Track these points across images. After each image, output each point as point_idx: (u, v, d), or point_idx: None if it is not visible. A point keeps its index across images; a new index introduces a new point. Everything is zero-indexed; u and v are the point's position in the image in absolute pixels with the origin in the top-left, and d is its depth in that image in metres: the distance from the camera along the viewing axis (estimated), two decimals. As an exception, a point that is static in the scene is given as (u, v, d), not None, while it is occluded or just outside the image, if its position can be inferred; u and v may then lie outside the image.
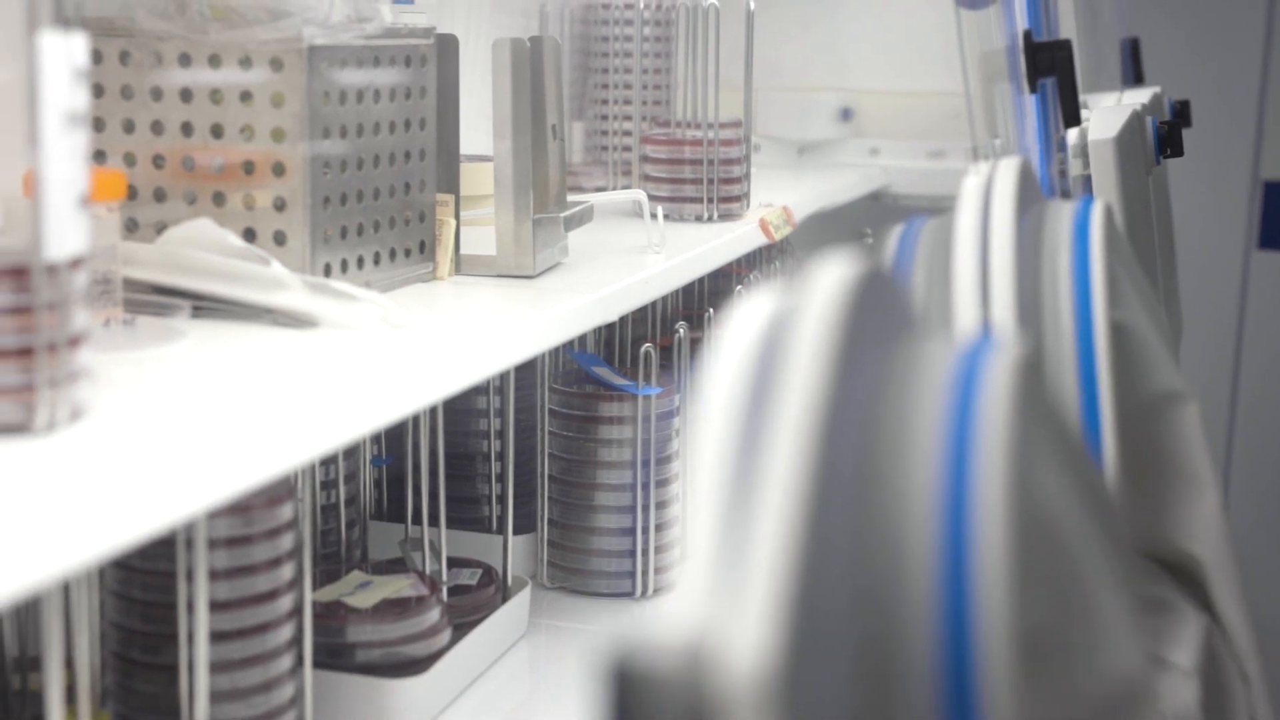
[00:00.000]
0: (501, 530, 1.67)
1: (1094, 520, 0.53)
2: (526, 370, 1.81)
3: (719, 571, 0.44)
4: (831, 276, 0.53)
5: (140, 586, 1.20)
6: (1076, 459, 0.55)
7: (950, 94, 2.49)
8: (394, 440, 1.76)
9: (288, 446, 0.98)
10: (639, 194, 1.75)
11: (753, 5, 2.13)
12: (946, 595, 0.47)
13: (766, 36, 2.67)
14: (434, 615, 1.46)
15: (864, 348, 0.52)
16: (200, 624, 1.13)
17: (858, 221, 2.70)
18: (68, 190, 0.90)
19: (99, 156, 1.36)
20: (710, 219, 2.00)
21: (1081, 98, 1.73)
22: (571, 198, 1.65)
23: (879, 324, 0.55)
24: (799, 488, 0.45)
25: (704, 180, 1.99)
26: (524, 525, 1.80)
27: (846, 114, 2.97)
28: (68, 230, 0.90)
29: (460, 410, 1.82)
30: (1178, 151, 1.71)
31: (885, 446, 0.50)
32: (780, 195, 2.19)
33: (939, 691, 0.47)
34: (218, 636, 1.18)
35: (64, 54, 0.89)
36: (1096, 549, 0.53)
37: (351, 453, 1.65)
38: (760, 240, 2.02)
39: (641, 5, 2.09)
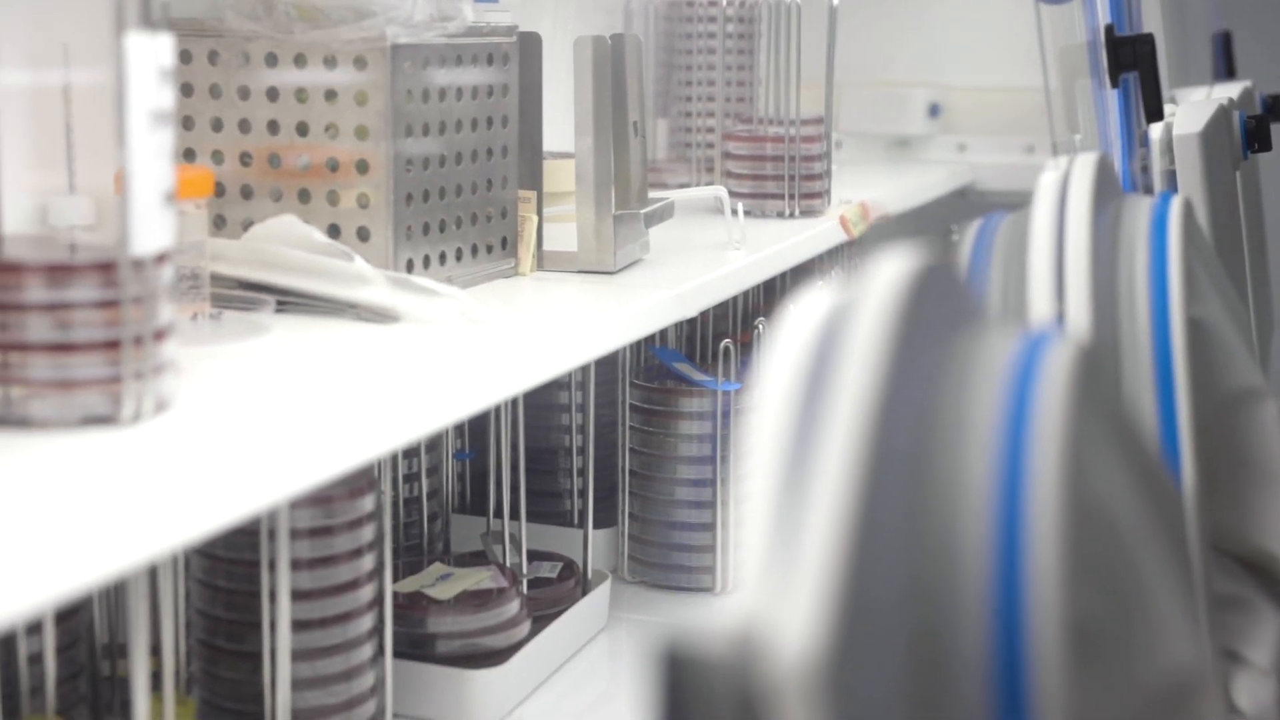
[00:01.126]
0: (582, 524, 1.68)
1: (1153, 514, 0.53)
2: (608, 366, 1.82)
3: (771, 559, 0.45)
4: (890, 270, 0.54)
5: (225, 575, 1.22)
6: (1136, 452, 0.55)
7: (1039, 89, 2.48)
8: (477, 435, 1.78)
9: (368, 438, 1.00)
10: (720, 190, 1.75)
11: (836, 1, 2.13)
12: (999, 586, 0.48)
13: (855, 32, 2.67)
14: (513, 607, 1.47)
15: (922, 339, 0.53)
16: (282, 612, 1.15)
17: (945, 218, 2.69)
18: (153, 187, 0.92)
19: (188, 154, 1.38)
20: (791, 215, 2.00)
21: (1167, 92, 1.72)
22: (654, 194, 1.66)
23: (939, 316, 0.55)
24: (851, 477, 0.46)
25: (785, 177, 2.00)
26: (605, 519, 1.82)
27: (935, 110, 2.96)
28: (153, 226, 0.93)
29: (542, 405, 1.83)
30: (1265, 146, 1.69)
31: (941, 437, 0.51)
32: (864, 192, 2.19)
33: (990, 682, 0.47)
34: (300, 625, 1.20)
35: (150, 54, 0.91)
36: (1154, 542, 0.53)
37: (434, 446, 1.67)
38: (841, 237, 2.02)
39: (724, 2, 2.10)
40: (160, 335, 0.94)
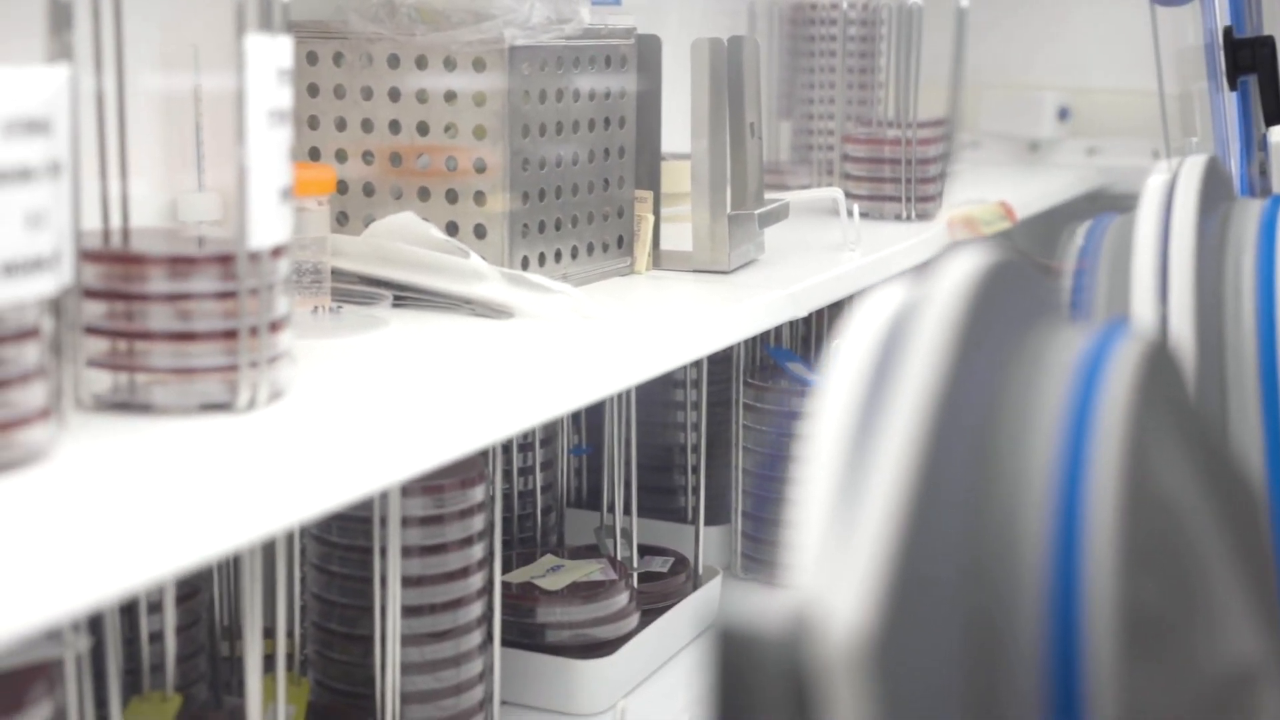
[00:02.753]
0: (695, 520, 1.70)
1: (1222, 508, 0.54)
2: (723, 365, 1.84)
3: (829, 542, 0.46)
4: (961, 265, 0.55)
5: (339, 561, 1.26)
6: (1205, 447, 0.55)
7: (1180, 94, 2.45)
8: (595, 431, 1.81)
9: (478, 427, 1.02)
10: (836, 192, 1.76)
11: (964, 3, 2.13)
12: (1056, 574, 0.49)
13: (989, 33, 2.66)
14: (622, 599, 1.50)
15: (992, 331, 0.54)
16: (393, 598, 1.19)
17: (1075, 222, 2.66)
18: (271, 184, 0.95)
19: (312, 153, 1.42)
20: (908, 218, 2.00)
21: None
22: (772, 196, 1.68)
23: (1013, 310, 0.56)
24: (910, 462, 0.47)
25: (903, 179, 2.00)
26: (719, 517, 1.83)
27: (1064, 113, 2.94)
28: (271, 221, 0.96)
29: (658, 403, 1.86)
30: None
31: (1007, 426, 0.52)
32: (992, 193, 2.18)
33: (1045, 669, 0.48)
34: (410, 610, 1.23)
35: (269, 55, 0.94)
36: (1221, 536, 0.53)
37: (549, 441, 1.70)
38: (965, 236, 2.02)
39: (846, 5, 2.10)
40: (276, 326, 0.98)
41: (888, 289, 0.55)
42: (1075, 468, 0.50)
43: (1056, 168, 2.80)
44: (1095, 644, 0.48)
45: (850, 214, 1.70)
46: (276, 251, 0.97)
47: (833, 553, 0.46)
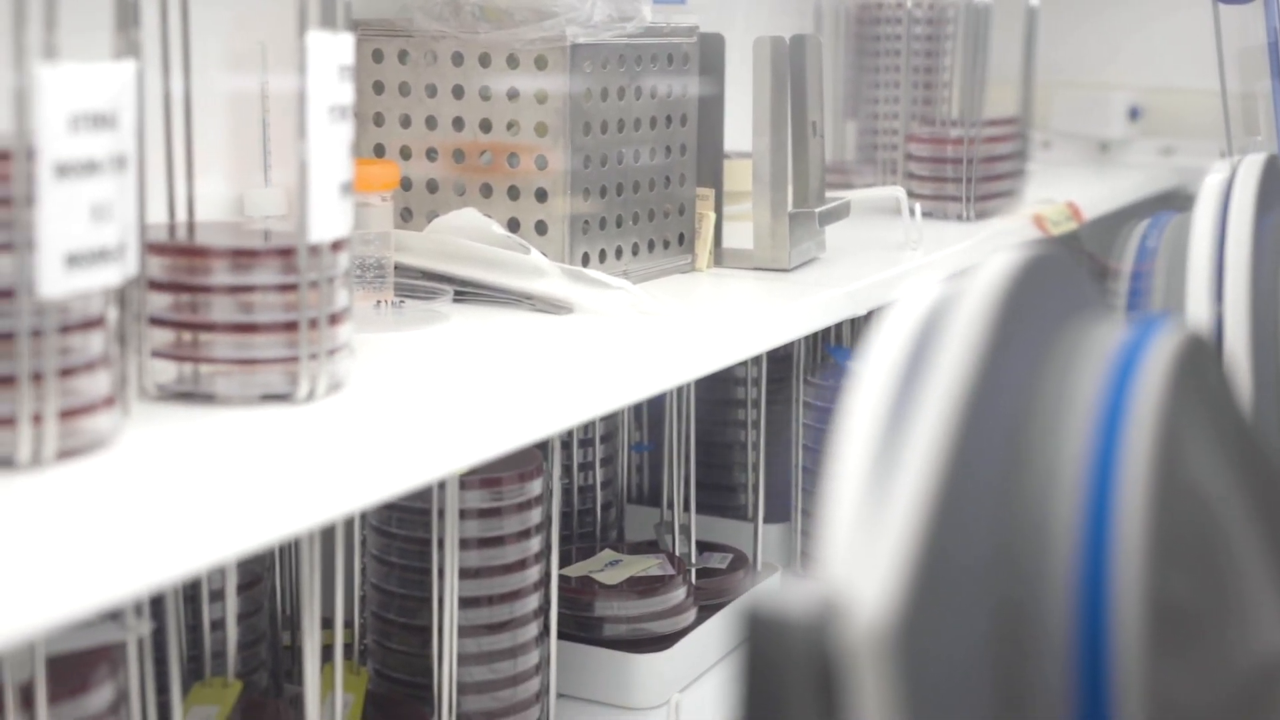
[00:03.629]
0: (754, 517, 1.71)
1: (1256, 502, 0.54)
2: (784, 363, 1.84)
3: (858, 528, 0.47)
4: (999, 259, 0.55)
5: (398, 553, 1.28)
6: (1241, 442, 0.55)
7: (1239, 92, 2.43)
8: (657, 429, 1.82)
9: (534, 419, 1.03)
10: (897, 190, 1.76)
11: (1034, 1, 2.12)
12: (1085, 564, 0.49)
13: (1060, 32, 2.65)
14: (679, 594, 1.51)
15: (1028, 325, 0.54)
16: (450, 589, 1.20)
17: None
18: (331, 178, 0.97)
19: (377, 150, 1.44)
20: (968, 218, 2.00)
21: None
22: (834, 194, 1.68)
23: (1050, 304, 0.57)
24: (940, 450, 0.48)
25: (964, 179, 1.99)
26: (779, 514, 1.84)
27: (1135, 113, 2.92)
28: (331, 215, 0.98)
29: (719, 401, 1.86)
30: None
31: (1041, 417, 0.52)
32: (1063, 193, 2.17)
33: (1072, 659, 0.49)
34: (467, 602, 1.25)
35: (330, 52, 0.96)
36: (1254, 529, 0.54)
37: (610, 438, 1.71)
38: (1032, 236, 2.01)
39: (911, 4, 2.10)
40: (336, 319, 0.99)
41: (925, 282, 0.56)
42: (1107, 458, 0.50)
43: (1128, 168, 2.78)
44: (1123, 635, 0.48)
45: (912, 213, 1.70)
46: (337, 245, 0.99)
47: (861, 539, 0.46)
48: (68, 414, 0.83)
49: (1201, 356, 0.56)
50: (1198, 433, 0.53)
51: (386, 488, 0.90)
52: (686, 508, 1.65)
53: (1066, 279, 0.60)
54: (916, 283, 0.56)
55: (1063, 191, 2.19)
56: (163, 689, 1.05)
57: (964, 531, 0.48)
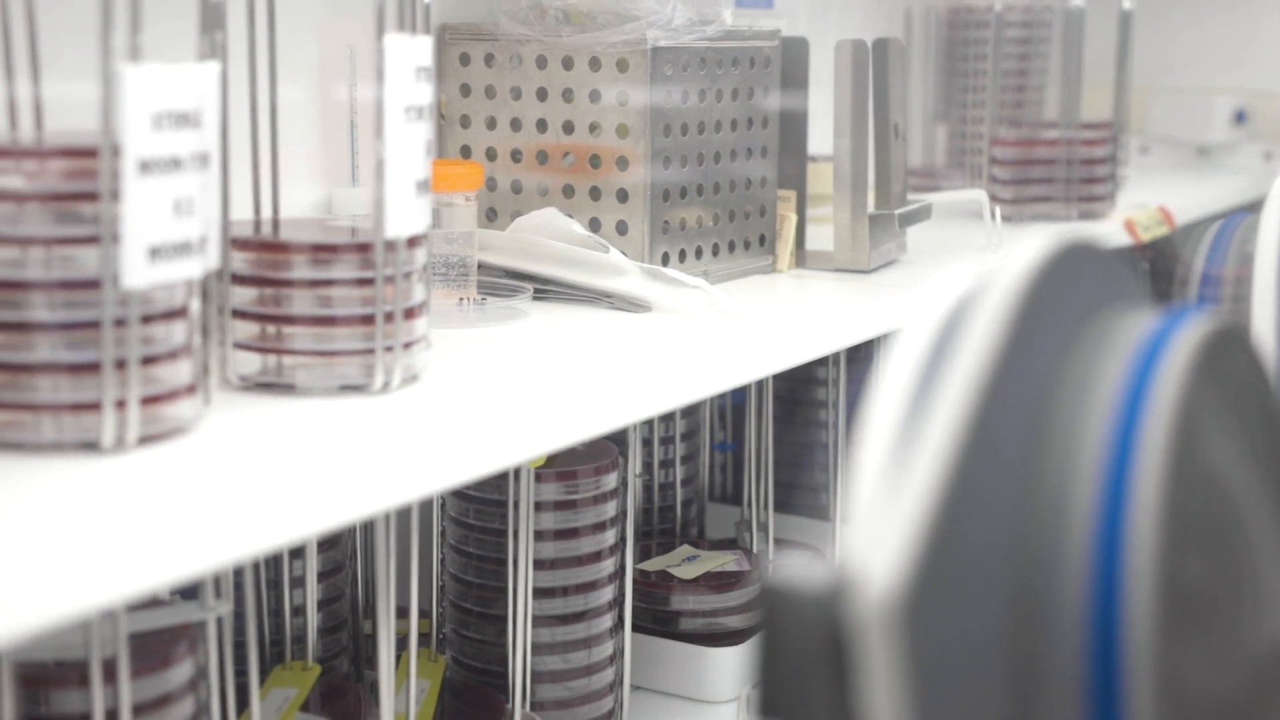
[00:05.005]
0: (834, 517, 1.72)
1: (1275, 491, 0.55)
2: (864, 364, 1.85)
3: (876, 505, 0.49)
4: (1031, 248, 0.57)
5: (475, 543, 1.31)
6: (1265, 432, 0.56)
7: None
8: (741, 429, 1.84)
9: (607, 411, 1.06)
10: (979, 194, 1.77)
11: (1128, 4, 2.11)
12: (1100, 547, 0.50)
13: (1161, 36, 2.64)
14: (754, 590, 1.52)
15: (1057, 312, 0.56)
16: (524, 580, 1.23)
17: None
18: (408, 176, 1.00)
19: (464, 151, 1.48)
20: (1069, 219, 1.99)
21: None
22: (916, 197, 1.69)
23: (1083, 293, 0.58)
24: (956, 433, 0.49)
25: (1060, 180, 1.99)
26: (861, 515, 1.84)
27: (1240, 116, 2.89)
28: (408, 212, 1.01)
29: (800, 401, 1.88)
30: None
31: (1065, 402, 0.53)
32: (1162, 198, 2.16)
33: (1085, 640, 0.50)
34: (543, 593, 1.27)
35: (407, 54, 0.99)
36: (1271, 517, 0.54)
37: (691, 436, 1.73)
38: (1124, 241, 2.01)
39: (1001, 8, 2.10)
40: (412, 313, 1.02)
41: (957, 270, 0.58)
42: (1125, 443, 0.52)
43: (1230, 172, 2.76)
44: (1135, 617, 0.49)
45: (993, 216, 1.71)
46: (413, 241, 1.02)
47: (877, 516, 0.48)
48: (150, 400, 0.87)
49: (1230, 347, 0.57)
50: (1219, 421, 0.54)
51: (457, 474, 0.93)
52: (766, 506, 1.66)
53: (1100, 270, 0.61)
54: (950, 273, 0.58)
55: (1158, 196, 2.18)
56: (242, 670, 1.09)
57: (982, 512, 0.50)
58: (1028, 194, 1.99)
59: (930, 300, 0.56)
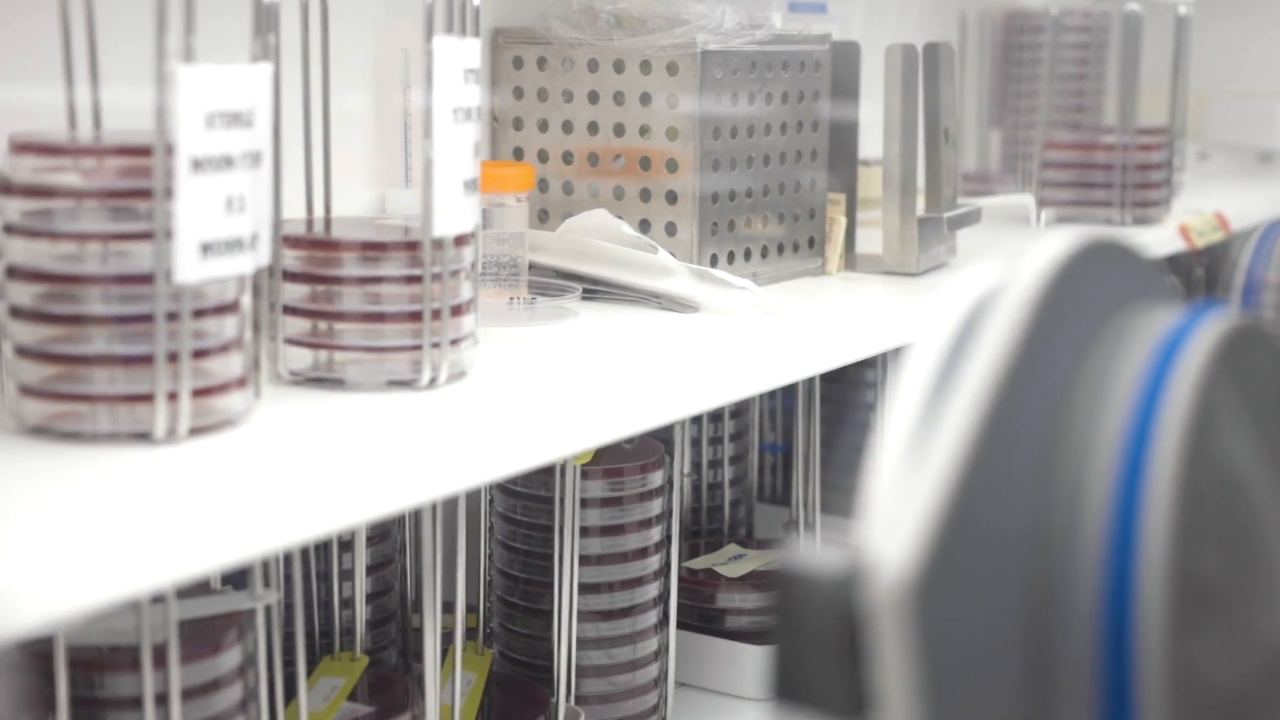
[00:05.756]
0: (883, 520, 1.72)
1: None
2: (915, 367, 1.86)
3: (893, 494, 0.50)
4: (1053, 244, 0.58)
5: (522, 539, 1.33)
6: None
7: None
8: (791, 431, 1.84)
9: (649, 407, 1.07)
10: (1027, 198, 1.77)
11: (1184, 10, 2.11)
12: (1114, 538, 0.51)
13: (1225, 41, 2.63)
14: (800, 590, 1.53)
15: (1078, 308, 0.57)
16: (568, 574, 1.24)
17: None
18: (455, 176, 1.02)
19: (517, 153, 1.50)
20: (1123, 223, 1.99)
21: None
22: (966, 201, 1.70)
23: (1103, 290, 0.59)
24: (973, 424, 0.50)
25: (1117, 185, 1.99)
26: (910, 518, 1.85)
27: (1302, 121, 2.87)
28: (455, 211, 1.03)
29: (849, 404, 1.88)
30: None
31: (1083, 397, 0.54)
32: (1220, 203, 2.15)
33: (1098, 630, 0.51)
34: (588, 588, 1.29)
35: (456, 56, 1.01)
36: (1290, 513, 0.55)
37: (740, 437, 1.74)
38: (1179, 246, 2.00)
39: (1057, 12, 2.10)
40: (459, 310, 1.04)
41: (981, 267, 0.59)
42: (1142, 435, 0.53)
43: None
44: (1147, 607, 0.50)
45: (1039, 221, 1.71)
46: (461, 240, 1.04)
47: (894, 503, 0.49)
48: (201, 393, 0.89)
49: (1251, 344, 0.57)
50: (1236, 416, 0.55)
51: (501, 467, 0.95)
52: (814, 508, 1.67)
53: (1127, 268, 0.62)
54: (974, 268, 0.59)
55: (1216, 202, 2.17)
56: (292, 659, 1.11)
57: (998, 500, 0.51)
58: (1082, 198, 1.98)
59: (953, 296, 0.57)
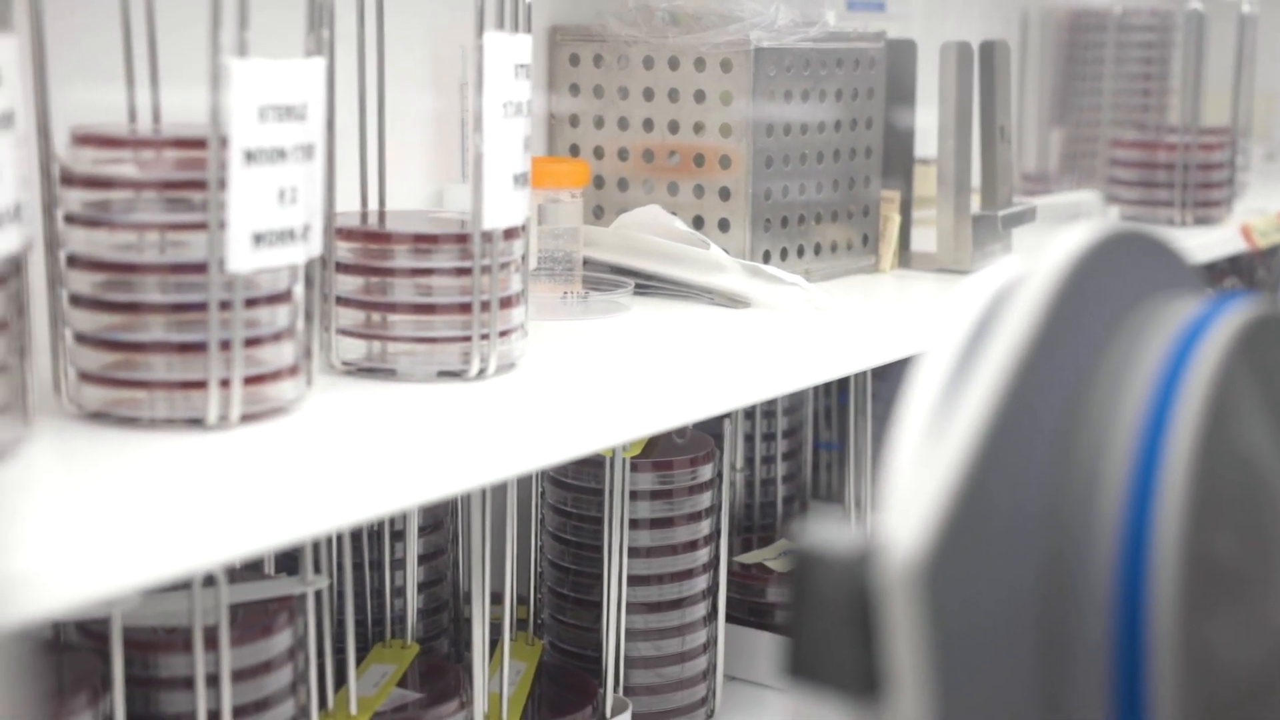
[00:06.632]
0: (936, 517, 1.73)
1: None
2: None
3: (910, 474, 0.51)
4: (1075, 235, 0.59)
5: (573, 530, 1.34)
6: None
7: None
8: (847, 428, 1.85)
9: (696, 399, 1.08)
10: (1088, 196, 1.77)
11: (1249, 8, 2.10)
12: (1130, 522, 0.52)
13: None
14: (851, 586, 1.54)
15: (1100, 296, 0.57)
16: (617, 566, 1.26)
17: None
18: (505, 169, 1.04)
19: (573, 149, 1.51)
20: (1183, 223, 1.98)
21: None
22: (1025, 200, 1.70)
23: (1128, 279, 0.60)
24: (990, 408, 0.51)
25: (1178, 185, 1.98)
26: (965, 517, 1.85)
27: (1372, 124, 2.84)
28: (504, 204, 1.04)
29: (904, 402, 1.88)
30: None
31: (1103, 382, 0.55)
32: (1276, 205, 2.14)
33: (1113, 612, 0.52)
34: (637, 580, 1.30)
35: (506, 51, 1.03)
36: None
37: (793, 434, 1.75)
38: (1240, 246, 1.99)
39: (1121, 11, 2.09)
40: (508, 302, 1.06)
41: (1002, 261, 0.60)
42: (1159, 421, 0.53)
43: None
44: (1160, 589, 0.51)
45: (1104, 218, 1.70)
46: (510, 233, 1.05)
47: (910, 484, 0.50)
48: (253, 380, 0.91)
49: (1273, 334, 0.58)
50: (1255, 404, 0.55)
51: (548, 455, 0.96)
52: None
53: (1155, 259, 0.63)
54: (1000, 262, 0.60)
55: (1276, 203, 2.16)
56: (342, 646, 1.13)
57: (1015, 482, 0.52)
58: (1145, 198, 1.98)
59: (976, 285, 0.58)
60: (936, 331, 0.56)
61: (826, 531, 0.50)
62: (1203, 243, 1.90)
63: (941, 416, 0.52)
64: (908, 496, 0.50)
